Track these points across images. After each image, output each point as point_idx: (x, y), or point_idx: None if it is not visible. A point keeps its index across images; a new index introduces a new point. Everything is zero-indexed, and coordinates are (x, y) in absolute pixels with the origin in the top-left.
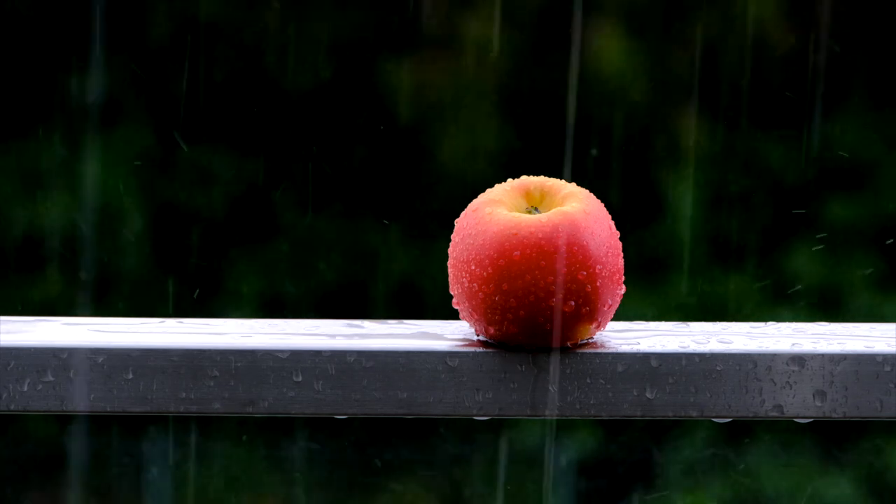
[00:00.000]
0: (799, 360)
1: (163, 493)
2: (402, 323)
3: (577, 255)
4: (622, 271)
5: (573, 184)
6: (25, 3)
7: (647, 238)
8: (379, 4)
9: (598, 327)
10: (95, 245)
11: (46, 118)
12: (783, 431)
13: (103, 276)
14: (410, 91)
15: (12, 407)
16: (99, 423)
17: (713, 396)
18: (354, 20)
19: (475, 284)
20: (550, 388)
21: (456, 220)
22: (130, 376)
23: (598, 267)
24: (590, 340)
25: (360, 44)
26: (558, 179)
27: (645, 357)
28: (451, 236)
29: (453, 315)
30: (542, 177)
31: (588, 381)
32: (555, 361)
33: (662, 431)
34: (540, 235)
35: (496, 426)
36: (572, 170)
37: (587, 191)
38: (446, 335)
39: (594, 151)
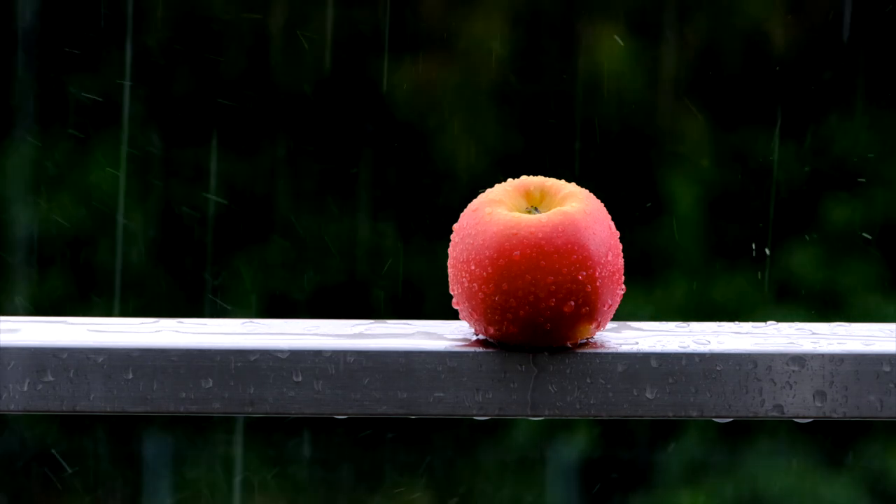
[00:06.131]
0: (799, 360)
1: (162, 493)
2: (402, 323)
3: (577, 255)
4: (622, 271)
5: (573, 184)
6: (27, 3)
7: (647, 237)
8: (380, 4)
9: (598, 327)
10: (95, 245)
11: (47, 118)
12: (783, 432)
13: (103, 277)
14: (411, 90)
15: (12, 407)
16: (98, 423)
17: (713, 396)
18: (355, 19)
19: (475, 284)
20: (550, 388)
21: (455, 221)
22: (130, 376)
23: (598, 267)
24: (590, 340)
25: (361, 43)
26: (558, 179)
27: (645, 357)
28: (451, 236)
29: (453, 315)
30: (541, 177)
31: (588, 381)
32: (555, 361)
33: (662, 431)
34: (540, 235)
35: (496, 426)
36: (572, 169)
37: (587, 191)
38: (446, 335)
39: (594, 151)
